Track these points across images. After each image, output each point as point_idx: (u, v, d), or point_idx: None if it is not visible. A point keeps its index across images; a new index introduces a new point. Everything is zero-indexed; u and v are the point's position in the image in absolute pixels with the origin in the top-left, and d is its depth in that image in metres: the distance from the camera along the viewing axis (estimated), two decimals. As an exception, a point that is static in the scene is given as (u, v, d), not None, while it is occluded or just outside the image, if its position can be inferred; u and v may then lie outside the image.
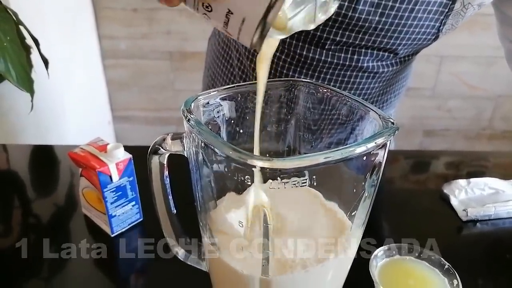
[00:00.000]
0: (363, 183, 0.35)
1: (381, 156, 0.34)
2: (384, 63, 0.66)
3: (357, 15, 0.56)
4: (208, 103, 0.40)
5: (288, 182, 0.30)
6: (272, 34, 0.30)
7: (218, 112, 0.41)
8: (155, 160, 0.40)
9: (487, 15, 0.66)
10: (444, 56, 1.64)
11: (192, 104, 0.37)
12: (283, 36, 0.31)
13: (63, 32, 1.35)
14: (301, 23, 0.30)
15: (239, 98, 0.42)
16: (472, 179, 0.70)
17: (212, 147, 0.32)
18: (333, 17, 0.56)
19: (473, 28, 1.55)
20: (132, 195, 0.59)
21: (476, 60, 1.65)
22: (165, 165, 0.40)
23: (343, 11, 0.56)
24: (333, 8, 0.32)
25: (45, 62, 0.80)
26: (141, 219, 0.62)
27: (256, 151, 0.39)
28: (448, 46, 1.58)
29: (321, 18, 0.31)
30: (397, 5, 0.55)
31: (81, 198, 0.62)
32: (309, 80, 0.44)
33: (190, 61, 1.65)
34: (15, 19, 0.73)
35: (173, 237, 0.44)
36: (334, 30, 0.59)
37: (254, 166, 0.29)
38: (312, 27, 0.32)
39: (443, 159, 0.85)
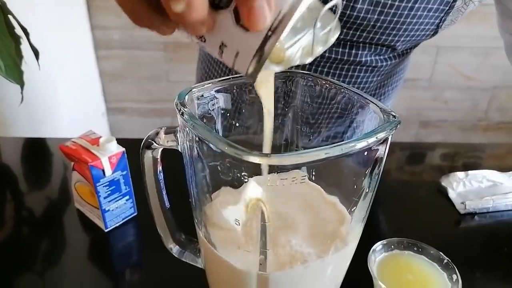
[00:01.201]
0: (363, 179, 0.34)
1: (382, 151, 0.33)
2: (382, 57, 0.65)
3: (355, 13, 0.55)
4: (202, 95, 0.39)
5: (286, 178, 0.29)
6: (268, 67, 0.28)
7: (213, 104, 0.40)
8: (148, 155, 0.38)
9: (485, 5, 0.64)
10: (441, 47, 1.63)
11: (186, 97, 0.36)
12: (279, 69, 0.29)
13: (54, 22, 1.32)
14: (299, 54, 0.28)
15: (234, 90, 0.41)
16: (470, 172, 0.69)
17: (206, 142, 0.31)
18: None
19: (471, 18, 1.53)
20: (126, 189, 0.58)
21: (472, 50, 1.64)
22: (159, 160, 0.39)
23: (341, 9, 0.54)
24: (333, 38, 0.30)
25: (36, 52, 0.78)
26: (135, 214, 0.61)
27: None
28: (445, 36, 1.56)
29: (319, 50, 0.30)
30: (397, 3, 0.54)
31: (74, 193, 0.60)
32: (307, 72, 0.43)
33: (184, 51, 1.63)
34: (3, 8, 0.71)
35: (167, 233, 0.43)
36: None
37: (250, 162, 0.28)
38: (309, 60, 0.30)
39: (439, 151, 0.84)
